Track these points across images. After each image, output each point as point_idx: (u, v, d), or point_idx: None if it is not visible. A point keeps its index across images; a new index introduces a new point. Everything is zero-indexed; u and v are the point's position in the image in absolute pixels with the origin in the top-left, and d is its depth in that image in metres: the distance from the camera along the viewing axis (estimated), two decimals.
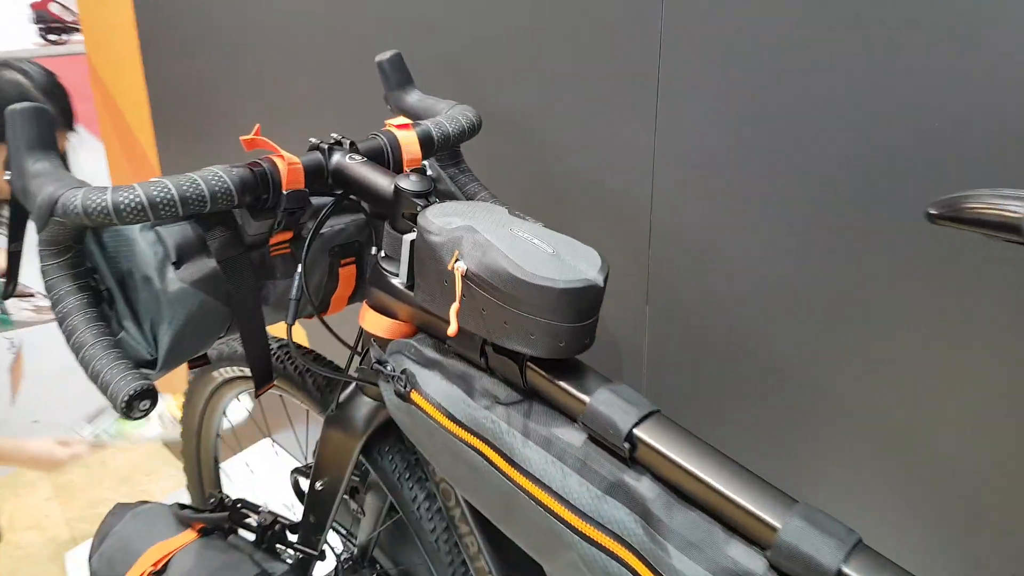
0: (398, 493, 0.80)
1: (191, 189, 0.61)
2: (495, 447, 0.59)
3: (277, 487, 1.22)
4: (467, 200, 0.84)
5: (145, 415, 0.60)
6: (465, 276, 0.57)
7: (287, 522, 0.97)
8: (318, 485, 0.83)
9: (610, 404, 0.55)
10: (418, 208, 0.65)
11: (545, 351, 0.56)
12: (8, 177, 0.63)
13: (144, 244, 0.67)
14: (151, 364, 0.67)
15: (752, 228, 0.82)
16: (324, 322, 0.75)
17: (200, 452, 1.18)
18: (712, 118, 0.81)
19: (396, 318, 0.70)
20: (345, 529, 1.02)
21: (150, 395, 0.59)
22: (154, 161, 1.89)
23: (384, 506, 0.91)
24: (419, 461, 0.81)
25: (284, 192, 0.66)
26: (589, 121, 0.92)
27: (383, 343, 0.71)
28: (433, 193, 0.66)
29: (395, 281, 0.69)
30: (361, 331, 0.75)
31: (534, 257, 0.56)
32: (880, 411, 0.76)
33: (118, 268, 0.68)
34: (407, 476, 0.79)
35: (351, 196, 0.73)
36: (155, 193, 0.59)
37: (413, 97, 0.89)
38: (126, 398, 0.57)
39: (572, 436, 0.57)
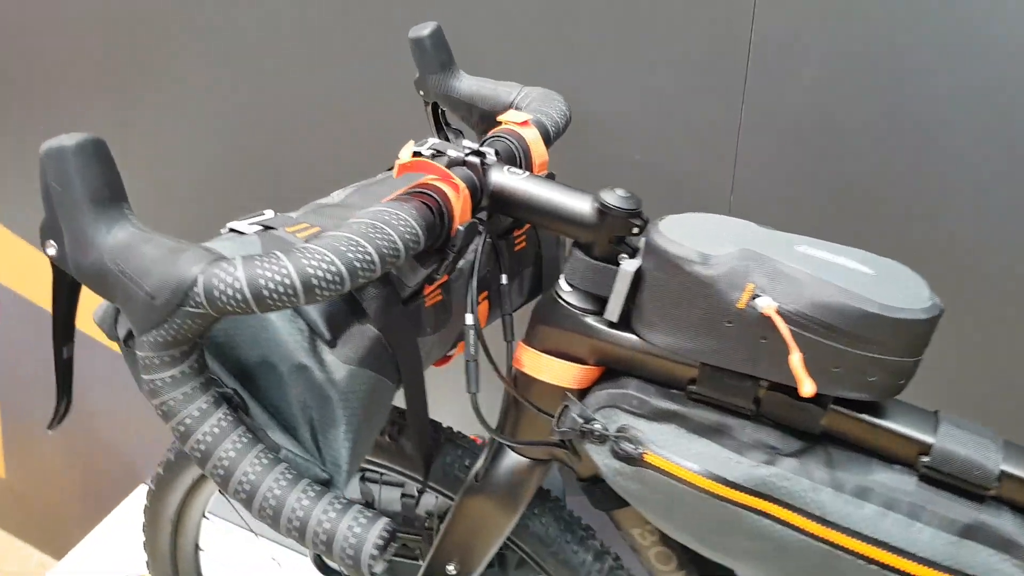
0: (558, 561, 0.67)
1: (386, 244, 0.43)
2: (797, 508, 0.50)
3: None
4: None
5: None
6: (779, 315, 0.46)
7: None
8: (451, 568, 0.68)
9: (965, 442, 0.48)
10: (633, 230, 0.53)
11: (884, 393, 0.48)
12: (53, 252, 0.41)
13: (282, 323, 0.47)
14: (326, 485, 0.48)
15: (842, 225, 0.78)
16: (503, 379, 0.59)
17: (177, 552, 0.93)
18: (811, 90, 0.75)
19: (582, 362, 0.57)
20: None
21: (395, 537, 0.42)
22: None
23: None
24: (574, 516, 0.69)
25: (461, 227, 0.50)
26: (662, 92, 0.81)
27: (574, 394, 0.57)
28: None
29: (589, 319, 0.56)
30: (517, 381, 0.60)
31: (867, 284, 0.46)
32: None
33: (235, 360, 0.48)
34: (568, 539, 0.67)
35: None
36: (351, 256, 0.41)
37: (465, 82, 0.73)
38: (375, 552, 0.41)
39: (898, 480, 0.49)
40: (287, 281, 0.39)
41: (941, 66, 0.69)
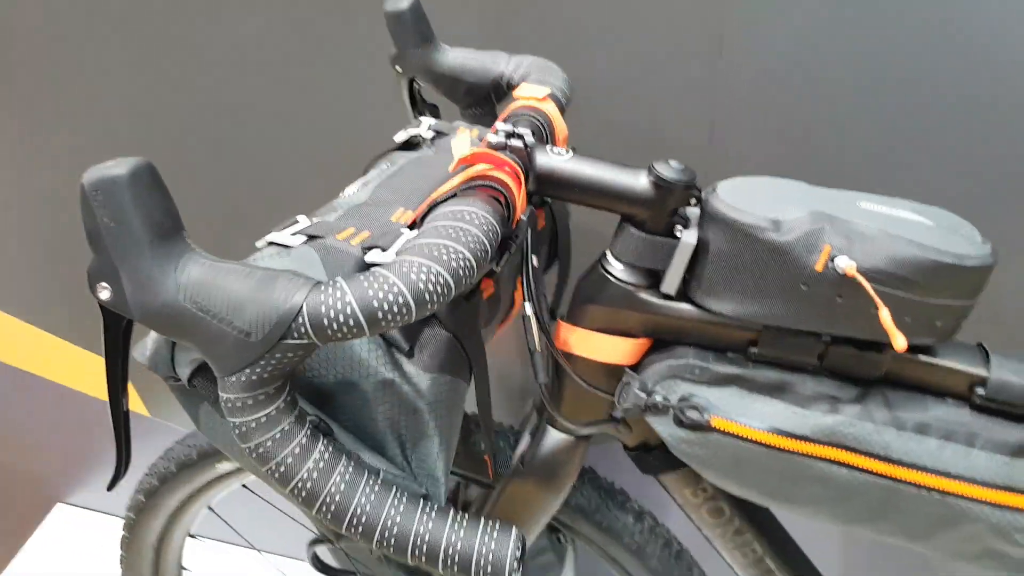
0: (600, 528, 0.68)
1: (477, 245, 0.40)
2: (863, 451, 0.52)
3: None
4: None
5: None
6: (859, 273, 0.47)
7: None
8: None
9: (1017, 371, 0.51)
10: (691, 201, 0.52)
11: (945, 335, 0.50)
12: (107, 296, 0.36)
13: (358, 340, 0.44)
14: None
15: (821, 173, 0.80)
16: (563, 361, 0.57)
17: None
18: (789, 37, 0.76)
19: (632, 336, 0.57)
20: None
21: (525, 545, 0.41)
22: None
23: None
24: (609, 482, 0.70)
25: (523, 217, 0.48)
26: (637, 39, 0.80)
27: (626, 369, 0.57)
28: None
29: (643, 294, 0.55)
30: (555, 357, 0.59)
31: (932, 235, 0.48)
32: None
33: (309, 384, 0.44)
34: (610, 505, 0.67)
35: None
36: (455, 265, 0.38)
37: (449, 55, 0.69)
38: (515, 564, 0.39)
39: (952, 413, 0.53)
40: (400, 299, 0.36)
41: (926, 19, 0.71)
